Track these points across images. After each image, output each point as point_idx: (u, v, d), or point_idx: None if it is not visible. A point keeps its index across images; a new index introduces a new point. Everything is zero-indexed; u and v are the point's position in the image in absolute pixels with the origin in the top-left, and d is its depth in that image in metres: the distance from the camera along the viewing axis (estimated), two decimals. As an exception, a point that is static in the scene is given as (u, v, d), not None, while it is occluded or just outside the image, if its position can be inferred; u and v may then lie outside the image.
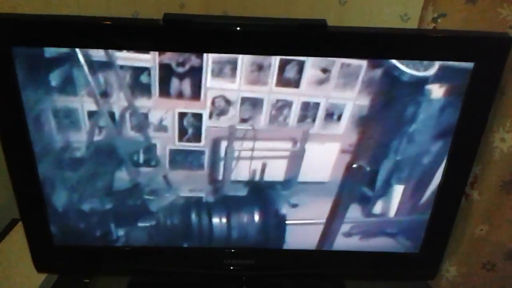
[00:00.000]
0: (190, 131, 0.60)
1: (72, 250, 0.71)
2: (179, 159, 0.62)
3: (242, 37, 0.55)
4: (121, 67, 0.56)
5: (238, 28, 0.55)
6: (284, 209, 0.68)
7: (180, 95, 0.57)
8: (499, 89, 0.61)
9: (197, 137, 0.60)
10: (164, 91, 0.57)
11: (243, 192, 0.66)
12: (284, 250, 0.72)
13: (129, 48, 0.55)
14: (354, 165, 0.64)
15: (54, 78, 0.56)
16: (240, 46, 0.56)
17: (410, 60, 0.57)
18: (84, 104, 0.58)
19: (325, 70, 0.57)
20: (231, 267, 0.73)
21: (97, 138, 0.60)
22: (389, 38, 0.57)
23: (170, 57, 0.55)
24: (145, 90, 0.57)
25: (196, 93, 0.57)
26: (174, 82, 0.57)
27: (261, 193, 0.66)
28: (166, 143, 0.61)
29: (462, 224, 0.73)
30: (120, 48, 0.55)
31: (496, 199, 0.69)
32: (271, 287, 0.84)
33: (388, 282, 0.83)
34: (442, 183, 0.66)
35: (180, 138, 0.61)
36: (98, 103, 0.58)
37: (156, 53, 0.55)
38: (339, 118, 0.60)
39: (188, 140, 0.61)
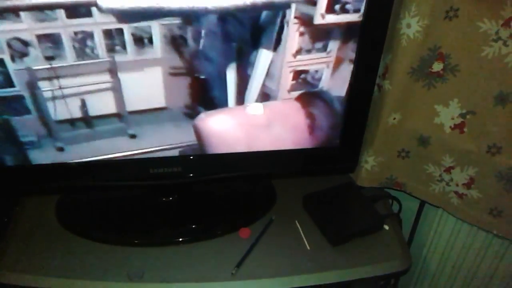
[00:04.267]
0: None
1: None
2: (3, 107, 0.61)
3: None
4: None
5: None
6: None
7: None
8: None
9: (9, 82, 0.59)
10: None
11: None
12: (209, 155, 0.73)
13: None
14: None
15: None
16: None
17: None
18: None
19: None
20: (158, 176, 0.74)
21: None
22: None
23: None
24: None
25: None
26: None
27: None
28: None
29: (376, 115, 0.75)
30: None
31: (406, 87, 0.71)
32: (201, 194, 0.86)
33: (313, 178, 0.87)
34: (354, 77, 0.67)
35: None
36: None
37: None
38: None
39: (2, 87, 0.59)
